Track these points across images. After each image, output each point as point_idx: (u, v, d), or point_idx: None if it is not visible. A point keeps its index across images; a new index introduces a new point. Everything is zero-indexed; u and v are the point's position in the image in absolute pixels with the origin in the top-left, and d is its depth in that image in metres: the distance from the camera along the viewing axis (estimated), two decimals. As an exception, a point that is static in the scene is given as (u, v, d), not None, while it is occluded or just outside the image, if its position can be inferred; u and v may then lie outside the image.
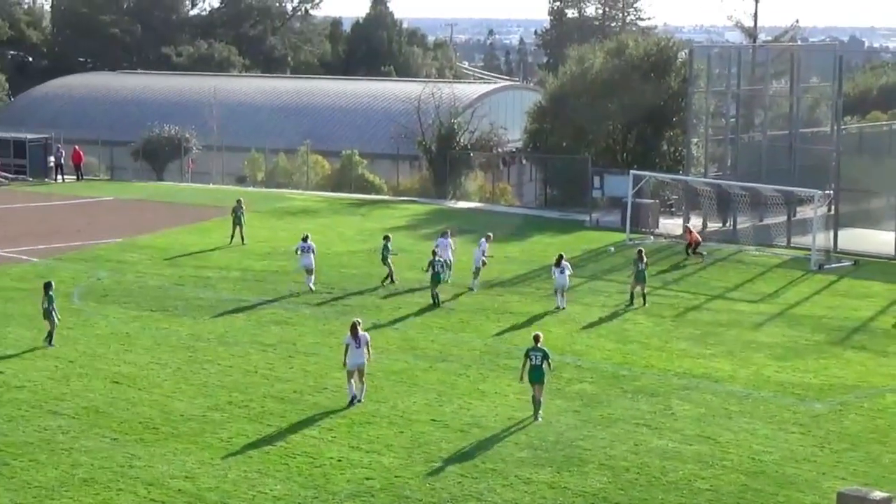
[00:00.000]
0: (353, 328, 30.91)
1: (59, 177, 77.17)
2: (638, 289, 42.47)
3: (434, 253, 43.01)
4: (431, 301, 41.87)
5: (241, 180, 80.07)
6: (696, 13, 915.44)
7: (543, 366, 29.54)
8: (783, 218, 56.92)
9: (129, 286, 44.72)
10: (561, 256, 42.13)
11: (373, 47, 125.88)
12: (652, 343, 37.32)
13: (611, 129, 71.72)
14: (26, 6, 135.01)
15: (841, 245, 52.68)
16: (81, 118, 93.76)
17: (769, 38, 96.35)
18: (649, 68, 70.55)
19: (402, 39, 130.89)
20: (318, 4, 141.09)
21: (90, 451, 27.34)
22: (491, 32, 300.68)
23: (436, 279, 42.03)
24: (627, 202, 55.73)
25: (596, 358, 35.49)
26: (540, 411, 29.66)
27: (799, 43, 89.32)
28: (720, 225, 58.75)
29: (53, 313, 36.28)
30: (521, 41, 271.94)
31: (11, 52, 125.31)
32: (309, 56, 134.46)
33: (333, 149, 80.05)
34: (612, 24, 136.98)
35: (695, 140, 61.72)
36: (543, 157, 72.40)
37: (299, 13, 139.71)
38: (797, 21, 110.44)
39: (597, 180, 62.76)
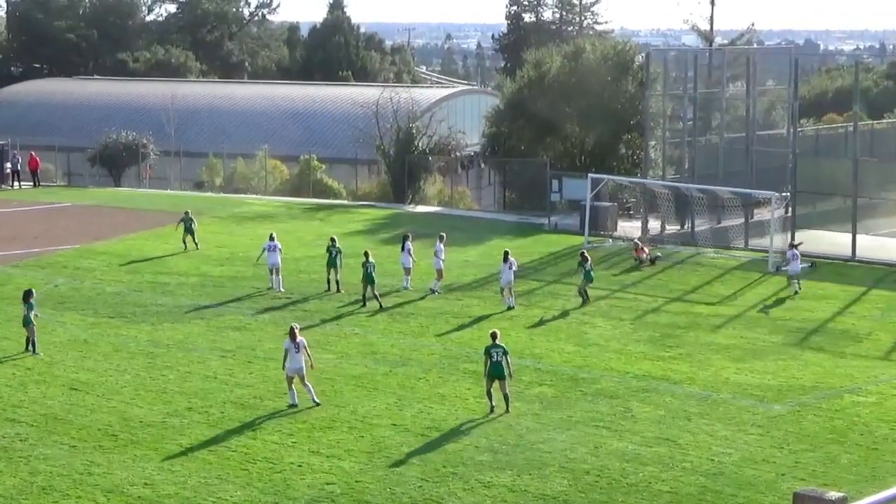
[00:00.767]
0: (292, 332, 30.87)
1: (16, 183, 76.62)
2: (585, 287, 42.76)
3: (366, 255, 42.72)
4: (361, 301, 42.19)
5: (199, 186, 79.81)
6: (652, 17, 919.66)
7: (503, 362, 29.81)
8: (741, 220, 57.11)
9: (87, 293, 44.47)
10: (507, 252, 42.42)
11: (330, 52, 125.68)
12: (611, 346, 37.41)
13: (569, 133, 71.98)
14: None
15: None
16: (38, 124, 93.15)
17: (725, 42, 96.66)
18: (606, 72, 70.85)
19: (360, 44, 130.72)
20: (275, 9, 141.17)
21: (49, 458, 27.17)
22: (448, 37, 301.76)
23: (368, 279, 42.10)
24: (586, 205, 55.86)
25: (555, 361, 35.54)
26: (510, 404, 30.12)
27: (755, 46, 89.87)
28: (678, 227, 58.93)
29: (33, 321, 36.01)
30: (479, 45, 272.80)
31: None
32: (266, 61, 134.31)
33: (292, 154, 80.00)
34: (570, 29, 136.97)
35: (652, 143, 61.91)
36: (502, 161, 72.58)
37: (256, 18, 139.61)
38: (753, 24, 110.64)
39: (555, 184, 62.94)
